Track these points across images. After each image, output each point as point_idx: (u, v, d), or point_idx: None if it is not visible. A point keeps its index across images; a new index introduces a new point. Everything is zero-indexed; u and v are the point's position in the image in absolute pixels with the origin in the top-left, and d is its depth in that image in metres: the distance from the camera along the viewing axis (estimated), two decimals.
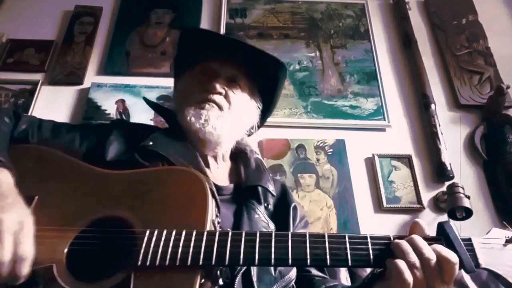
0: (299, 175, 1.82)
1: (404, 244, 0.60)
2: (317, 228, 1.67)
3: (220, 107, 0.90)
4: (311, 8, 2.36)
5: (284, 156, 1.86)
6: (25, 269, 0.58)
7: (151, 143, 0.82)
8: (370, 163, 1.87)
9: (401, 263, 0.58)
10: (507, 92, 1.89)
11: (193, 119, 0.87)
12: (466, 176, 1.83)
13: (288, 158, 1.86)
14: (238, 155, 1.00)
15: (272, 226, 0.88)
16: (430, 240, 0.62)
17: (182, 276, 0.59)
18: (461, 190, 1.66)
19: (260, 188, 0.91)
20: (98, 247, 0.64)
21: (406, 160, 1.86)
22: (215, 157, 0.95)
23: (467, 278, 0.59)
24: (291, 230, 0.90)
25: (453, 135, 1.94)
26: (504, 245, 0.63)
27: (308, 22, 2.31)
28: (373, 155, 1.86)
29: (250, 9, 2.31)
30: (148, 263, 0.60)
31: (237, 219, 0.83)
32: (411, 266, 0.58)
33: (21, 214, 0.61)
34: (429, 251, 0.59)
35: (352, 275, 1.32)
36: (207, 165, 0.91)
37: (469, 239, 0.63)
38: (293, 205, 0.96)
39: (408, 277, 0.57)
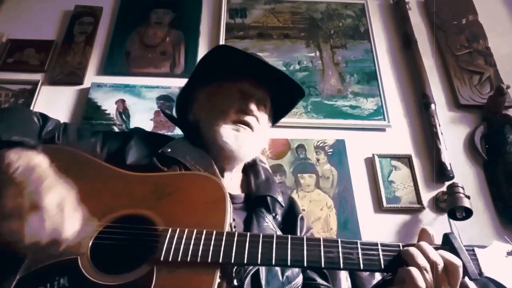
0: (299, 175, 1.82)
1: (413, 249, 0.64)
2: (317, 228, 1.67)
3: (252, 129, 0.94)
4: (311, 8, 2.36)
5: (284, 156, 1.86)
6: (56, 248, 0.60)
7: (169, 150, 0.86)
8: (370, 163, 1.86)
9: (414, 270, 0.61)
10: (507, 92, 1.89)
11: (229, 139, 0.90)
12: (466, 176, 1.83)
13: (288, 158, 1.85)
14: (249, 167, 1.03)
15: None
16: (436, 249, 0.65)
17: (203, 271, 0.63)
18: (461, 190, 1.66)
19: (269, 198, 0.93)
20: (122, 242, 0.67)
21: (406, 160, 1.86)
22: (230, 170, 0.98)
23: (470, 283, 0.63)
24: None
25: (453, 135, 1.94)
26: (506, 257, 0.66)
27: (308, 22, 2.30)
28: (373, 155, 1.86)
29: (250, 9, 2.31)
30: (170, 258, 0.63)
31: (247, 226, 0.86)
32: (421, 269, 0.61)
33: (61, 194, 0.61)
34: (436, 255, 0.63)
35: (352, 275, 1.32)
36: (222, 176, 0.93)
37: (473, 250, 0.66)
38: (300, 216, 1.00)
39: (421, 283, 0.60)
